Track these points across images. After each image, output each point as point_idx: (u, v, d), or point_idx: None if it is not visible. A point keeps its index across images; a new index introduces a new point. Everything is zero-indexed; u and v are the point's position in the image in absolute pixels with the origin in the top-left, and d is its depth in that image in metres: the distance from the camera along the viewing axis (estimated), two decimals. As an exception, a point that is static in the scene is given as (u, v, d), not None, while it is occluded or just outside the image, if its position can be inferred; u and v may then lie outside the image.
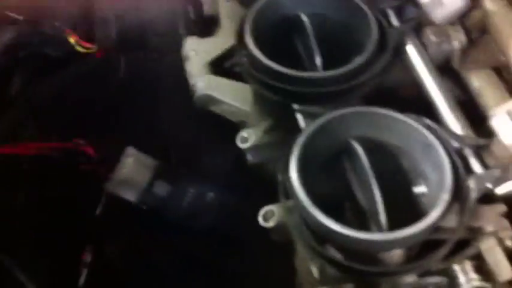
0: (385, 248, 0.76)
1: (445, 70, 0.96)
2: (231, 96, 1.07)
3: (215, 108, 1.10)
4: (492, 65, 0.95)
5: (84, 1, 1.33)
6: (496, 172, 0.80)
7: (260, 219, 0.86)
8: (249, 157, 0.99)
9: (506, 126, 0.77)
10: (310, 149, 0.82)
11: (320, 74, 0.91)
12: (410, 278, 0.76)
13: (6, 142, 1.04)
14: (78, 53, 1.20)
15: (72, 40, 1.18)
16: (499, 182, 0.80)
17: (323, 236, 0.77)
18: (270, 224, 0.85)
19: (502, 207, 0.82)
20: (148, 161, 1.01)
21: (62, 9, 1.31)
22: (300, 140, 0.82)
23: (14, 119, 1.13)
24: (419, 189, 0.85)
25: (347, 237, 0.73)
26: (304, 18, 0.97)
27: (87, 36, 1.23)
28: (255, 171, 1.00)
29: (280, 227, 0.85)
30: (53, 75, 1.19)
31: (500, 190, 0.83)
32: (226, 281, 1.03)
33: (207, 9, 1.24)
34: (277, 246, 0.88)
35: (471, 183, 0.78)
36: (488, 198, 0.82)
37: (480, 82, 0.94)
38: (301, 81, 0.89)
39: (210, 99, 1.08)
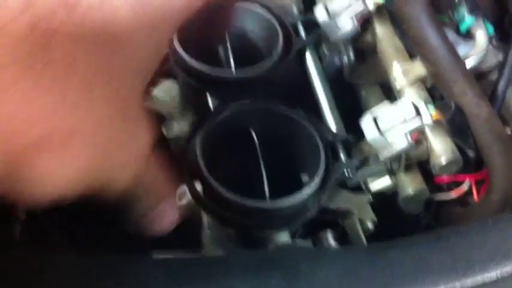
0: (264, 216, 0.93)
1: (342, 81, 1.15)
2: (162, 91, 1.21)
3: (148, 103, 1.25)
4: (378, 81, 1.14)
5: None
6: (355, 161, 0.98)
7: (177, 199, 0.99)
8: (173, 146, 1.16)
9: (369, 126, 0.95)
10: (213, 135, 0.99)
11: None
12: (283, 238, 0.93)
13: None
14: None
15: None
16: (358, 172, 0.98)
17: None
18: (183, 202, 0.98)
19: (368, 197, 0.99)
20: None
21: None
22: (205, 127, 0.99)
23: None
24: (303, 175, 1.03)
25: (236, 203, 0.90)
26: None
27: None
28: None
29: (190, 205, 0.98)
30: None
31: (373, 187, 1.02)
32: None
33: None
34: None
35: (335, 170, 0.96)
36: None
37: (366, 95, 1.13)
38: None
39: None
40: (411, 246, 0.76)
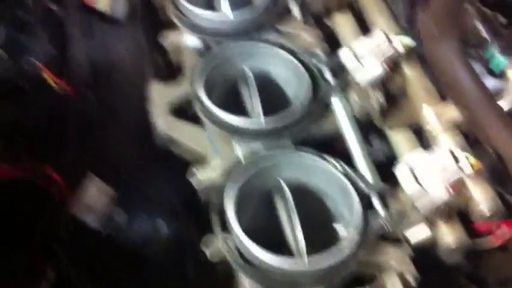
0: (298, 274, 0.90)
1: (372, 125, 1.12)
2: (188, 137, 1.20)
3: (174, 148, 1.24)
4: (409, 123, 1.11)
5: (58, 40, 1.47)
6: (393, 213, 0.95)
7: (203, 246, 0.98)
8: (199, 193, 1.14)
9: (406, 176, 0.92)
10: (245, 188, 0.97)
11: (255, 120, 1.06)
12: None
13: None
14: (50, 87, 1.32)
15: (46, 76, 1.30)
16: (397, 224, 0.94)
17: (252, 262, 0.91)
18: (208, 252, 0.97)
19: (407, 249, 0.96)
20: (108, 189, 1.13)
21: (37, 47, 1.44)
22: (237, 182, 0.96)
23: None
24: (338, 227, 1.00)
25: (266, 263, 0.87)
26: (249, 72, 1.12)
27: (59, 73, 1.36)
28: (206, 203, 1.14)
29: (217, 256, 0.96)
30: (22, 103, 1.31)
31: (413, 239, 0.98)
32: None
33: (172, 56, 1.39)
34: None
35: (373, 222, 0.93)
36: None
37: (397, 137, 1.10)
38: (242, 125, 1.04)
39: (169, 139, 1.22)
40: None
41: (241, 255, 0.92)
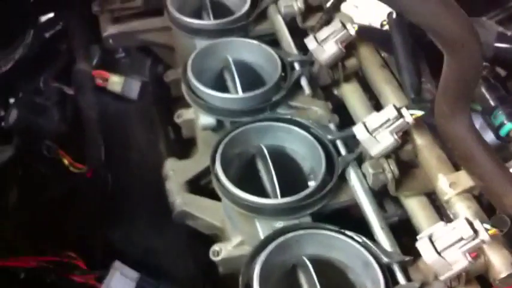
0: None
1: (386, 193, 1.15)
2: (205, 212, 1.23)
3: (191, 223, 1.26)
4: (424, 191, 1.13)
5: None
6: (416, 285, 0.97)
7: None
8: (220, 268, 1.16)
9: (427, 248, 0.94)
10: (268, 264, 0.99)
11: (275, 201, 1.08)
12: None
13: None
14: (69, 171, 1.37)
15: (66, 161, 1.34)
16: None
17: None
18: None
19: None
20: (132, 274, 1.16)
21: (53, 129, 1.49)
22: (260, 258, 0.99)
23: (10, 231, 1.28)
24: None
25: None
26: (265, 150, 1.16)
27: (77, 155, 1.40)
28: (226, 279, 1.16)
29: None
30: (46, 190, 1.34)
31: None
32: None
33: (185, 132, 1.43)
34: None
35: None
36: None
37: (413, 206, 1.12)
38: (262, 205, 1.07)
39: (187, 215, 1.25)
40: None
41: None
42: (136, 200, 1.37)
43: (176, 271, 1.27)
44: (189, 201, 1.25)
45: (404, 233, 1.10)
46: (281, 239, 1.01)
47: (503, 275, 0.95)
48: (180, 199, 1.25)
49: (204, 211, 1.24)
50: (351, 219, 1.12)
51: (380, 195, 1.14)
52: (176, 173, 1.30)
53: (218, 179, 1.12)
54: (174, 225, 1.27)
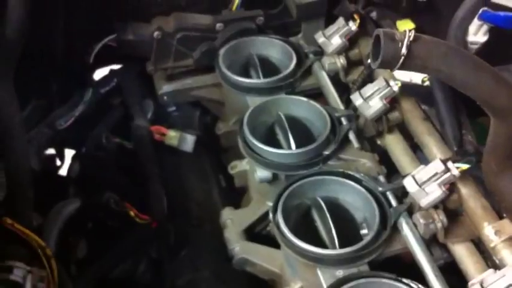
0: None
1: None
2: (264, 259, 1.32)
3: (250, 269, 1.36)
4: (470, 238, 1.22)
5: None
6: None
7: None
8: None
9: (480, 297, 1.03)
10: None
11: (336, 251, 1.18)
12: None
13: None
14: (135, 223, 1.47)
15: (132, 213, 1.45)
16: None
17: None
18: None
19: None
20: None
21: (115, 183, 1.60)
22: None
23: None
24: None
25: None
26: (321, 202, 1.26)
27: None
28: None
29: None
30: (115, 243, 1.45)
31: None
32: None
33: (237, 182, 1.53)
34: None
35: None
36: None
37: (461, 252, 1.21)
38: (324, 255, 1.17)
39: (246, 262, 1.34)
40: None
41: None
42: (197, 249, 1.46)
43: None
44: (247, 248, 1.34)
45: (450, 275, 1.19)
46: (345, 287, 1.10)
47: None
48: (239, 247, 1.34)
49: (262, 258, 1.32)
50: (404, 266, 1.21)
51: (428, 240, 1.23)
52: (233, 221, 1.39)
53: (280, 230, 1.22)
54: (235, 272, 1.35)
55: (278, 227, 1.23)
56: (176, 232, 1.48)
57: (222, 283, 1.39)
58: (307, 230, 1.27)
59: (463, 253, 1.21)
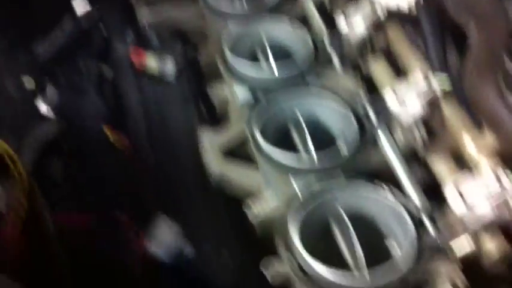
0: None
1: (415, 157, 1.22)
2: (240, 176, 1.29)
3: (228, 186, 1.33)
4: (451, 153, 1.20)
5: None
6: (445, 233, 1.04)
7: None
8: (256, 225, 1.23)
9: (453, 196, 1.01)
10: (306, 218, 1.06)
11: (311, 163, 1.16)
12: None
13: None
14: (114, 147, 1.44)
15: (110, 136, 1.42)
16: (447, 239, 1.03)
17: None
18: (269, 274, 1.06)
19: (456, 261, 1.04)
20: (174, 226, 1.24)
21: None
22: (298, 216, 1.06)
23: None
24: (392, 245, 1.09)
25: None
26: (299, 115, 1.23)
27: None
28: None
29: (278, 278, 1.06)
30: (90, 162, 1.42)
31: (458, 253, 1.06)
32: None
33: (218, 105, 1.50)
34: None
35: (425, 238, 1.02)
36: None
37: (440, 168, 1.19)
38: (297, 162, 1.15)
39: (223, 179, 1.32)
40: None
41: (304, 273, 1.00)
42: (177, 168, 1.44)
43: (215, 235, 1.34)
44: (224, 166, 1.30)
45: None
46: (317, 194, 1.08)
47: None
48: (216, 164, 1.31)
49: (239, 174, 1.29)
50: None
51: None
52: (211, 141, 1.36)
53: (255, 140, 1.19)
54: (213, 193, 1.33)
55: (253, 137, 1.20)
56: (156, 157, 1.46)
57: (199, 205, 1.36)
58: (284, 145, 1.25)
59: (443, 168, 1.18)
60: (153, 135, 1.50)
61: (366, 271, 0.99)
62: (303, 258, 1.01)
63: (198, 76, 1.65)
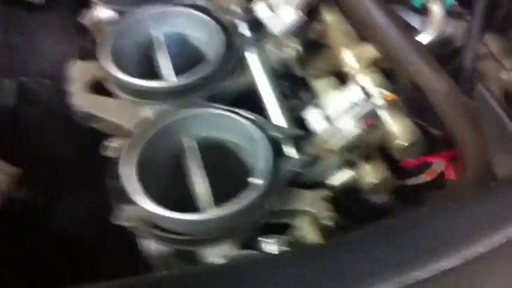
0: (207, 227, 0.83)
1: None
2: (106, 111, 1.14)
3: (95, 124, 1.18)
4: (331, 70, 1.05)
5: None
6: (308, 157, 0.89)
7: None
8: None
9: (314, 115, 0.86)
10: (148, 147, 0.90)
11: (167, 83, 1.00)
12: (226, 250, 0.84)
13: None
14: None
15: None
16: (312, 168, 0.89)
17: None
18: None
19: (325, 192, 0.90)
20: (13, 169, 1.10)
21: None
22: (139, 145, 0.90)
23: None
24: (252, 179, 0.93)
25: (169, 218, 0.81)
26: (159, 36, 1.06)
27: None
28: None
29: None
30: None
31: (335, 181, 0.93)
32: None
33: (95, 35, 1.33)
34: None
35: (284, 167, 0.87)
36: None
37: (321, 87, 1.03)
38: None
39: (88, 115, 1.16)
40: (360, 242, 0.65)
41: (145, 222, 0.85)
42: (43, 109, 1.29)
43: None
44: (88, 101, 1.14)
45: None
46: (164, 117, 0.92)
47: (403, 143, 0.87)
48: (80, 98, 1.15)
49: (104, 109, 1.14)
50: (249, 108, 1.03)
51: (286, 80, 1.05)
52: (80, 73, 1.20)
53: (107, 70, 1.03)
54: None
55: (105, 67, 1.04)
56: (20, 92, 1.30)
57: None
58: (151, 73, 1.09)
59: (323, 87, 1.03)
60: (17, 69, 1.33)
61: (210, 207, 0.85)
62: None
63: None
